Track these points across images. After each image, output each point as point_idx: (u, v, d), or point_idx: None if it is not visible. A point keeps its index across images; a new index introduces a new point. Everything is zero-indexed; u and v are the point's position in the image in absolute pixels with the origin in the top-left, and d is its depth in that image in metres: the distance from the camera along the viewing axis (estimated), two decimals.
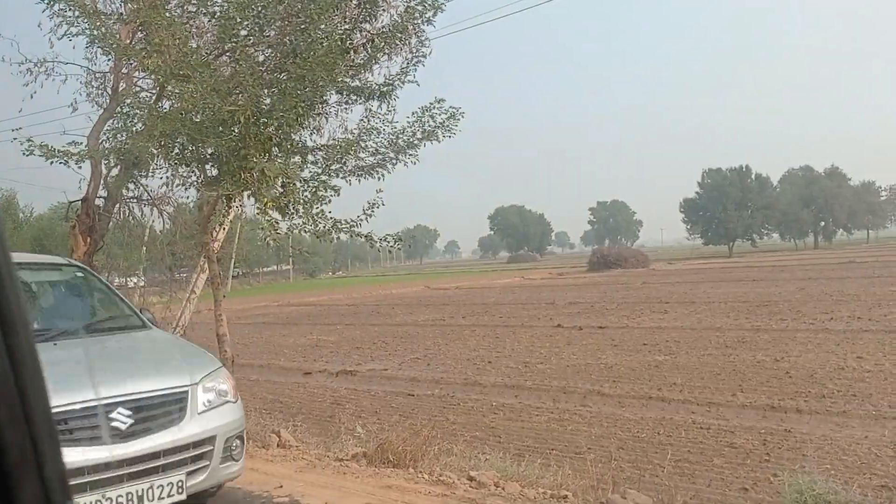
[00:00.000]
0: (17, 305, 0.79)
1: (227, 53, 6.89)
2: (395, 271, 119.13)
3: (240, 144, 6.07)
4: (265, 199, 6.11)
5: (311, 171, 6.88)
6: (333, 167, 6.91)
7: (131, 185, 8.86)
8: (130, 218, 9.39)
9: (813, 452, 7.45)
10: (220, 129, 6.06)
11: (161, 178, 7.93)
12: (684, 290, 33.36)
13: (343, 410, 10.96)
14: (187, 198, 9.43)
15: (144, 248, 10.02)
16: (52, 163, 6.95)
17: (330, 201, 6.59)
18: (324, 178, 6.70)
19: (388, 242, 7.16)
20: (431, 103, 7.23)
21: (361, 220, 6.74)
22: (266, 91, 6.28)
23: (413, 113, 7.28)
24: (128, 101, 7.41)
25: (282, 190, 6.36)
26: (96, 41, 7.15)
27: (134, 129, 6.84)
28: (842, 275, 36.99)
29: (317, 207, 6.52)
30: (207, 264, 7.90)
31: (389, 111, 7.17)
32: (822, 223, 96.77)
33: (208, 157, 6.65)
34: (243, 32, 6.37)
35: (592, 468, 5.89)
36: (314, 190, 6.52)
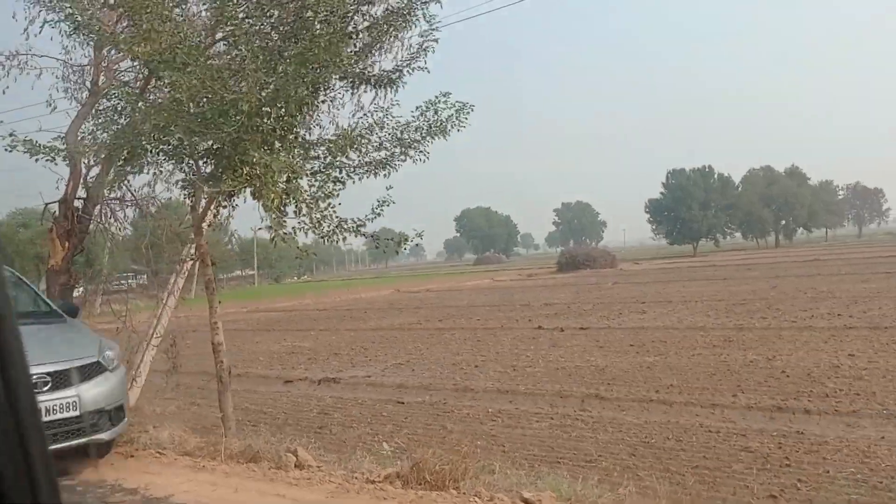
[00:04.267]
0: (12, 333, 0.87)
1: (225, 39, 6.41)
2: (361, 275, 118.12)
3: (243, 136, 5.61)
4: (271, 196, 5.66)
5: (312, 167, 6.45)
6: (339, 159, 6.47)
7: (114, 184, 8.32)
8: (112, 220, 8.82)
9: (832, 455, 7.25)
10: (221, 119, 5.59)
11: (146, 176, 7.42)
12: (657, 289, 33.46)
13: (332, 420, 10.53)
14: (170, 198, 8.91)
15: (129, 253, 9.44)
16: (37, 160, 6.43)
17: (338, 194, 6.17)
18: (330, 171, 6.26)
19: (394, 243, 6.78)
20: (437, 97, 6.86)
21: (370, 218, 6.34)
22: (270, 76, 5.83)
23: (417, 107, 6.90)
24: (114, 93, 6.88)
25: (285, 186, 5.91)
26: (80, 28, 6.62)
27: (121, 123, 6.33)
28: (809, 272, 37.50)
29: (324, 203, 6.09)
30: (201, 268, 7.43)
31: (393, 103, 6.77)
32: (783, 222, 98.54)
33: (204, 152, 6.18)
34: (241, 14, 5.92)
35: (659, 486, 5.56)
36: (321, 184, 6.09)
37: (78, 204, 8.28)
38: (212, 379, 8.17)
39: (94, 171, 8.18)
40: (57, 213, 8.20)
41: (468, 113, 6.79)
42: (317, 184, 6.21)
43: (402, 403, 11.54)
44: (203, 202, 6.86)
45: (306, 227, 6.18)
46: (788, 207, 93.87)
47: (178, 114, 5.69)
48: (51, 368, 5.94)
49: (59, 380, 6.00)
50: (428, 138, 6.75)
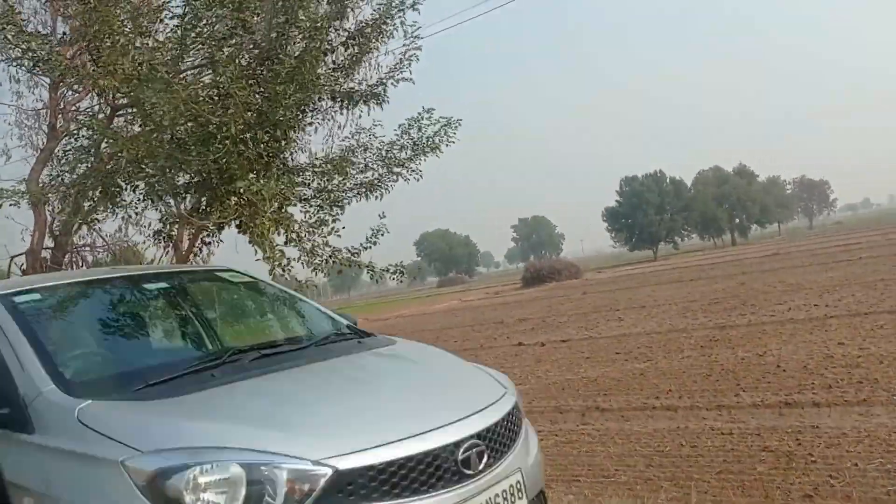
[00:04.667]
0: None
1: (202, 65, 6.06)
2: (328, 306, 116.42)
3: (231, 163, 5.24)
4: (266, 225, 5.29)
5: (303, 193, 6.10)
6: (328, 184, 6.15)
7: (83, 231, 7.83)
8: (84, 268, 8.28)
9: (854, 447, 7.07)
10: (203, 147, 5.22)
11: (117, 221, 6.97)
12: (627, 295, 33.51)
13: None
14: (142, 241, 8.37)
15: None
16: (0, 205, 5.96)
17: (333, 221, 5.84)
18: (322, 196, 5.93)
19: (390, 272, 6.46)
20: (420, 113, 6.59)
21: (366, 247, 6.01)
22: (254, 97, 5.49)
23: (399, 125, 6.62)
24: (81, 129, 6.45)
25: (276, 215, 5.55)
26: (39, 64, 6.17)
27: (90, 161, 5.91)
28: (772, 266, 38.04)
29: (319, 231, 5.75)
30: None
31: (376, 123, 6.49)
32: (737, 220, 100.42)
33: (183, 186, 5.79)
34: (221, 35, 5.59)
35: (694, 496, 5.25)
36: (316, 210, 5.75)
37: (45, 254, 7.77)
38: None
39: (61, 218, 7.69)
40: (24, 265, 7.68)
41: (456, 127, 6.53)
42: (312, 209, 5.87)
43: None
44: (186, 239, 6.46)
45: (301, 258, 5.83)
46: (741, 205, 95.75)
47: (156, 142, 5.28)
48: (477, 425, 3.07)
49: (494, 444, 3.12)
50: (420, 156, 6.47)
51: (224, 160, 5.22)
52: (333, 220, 6.01)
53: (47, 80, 7.75)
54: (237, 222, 5.80)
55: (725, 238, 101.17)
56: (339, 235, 5.99)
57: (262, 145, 5.47)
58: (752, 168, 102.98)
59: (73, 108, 8.41)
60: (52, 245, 7.82)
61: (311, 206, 5.99)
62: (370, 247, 6.09)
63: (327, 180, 6.31)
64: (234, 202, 5.35)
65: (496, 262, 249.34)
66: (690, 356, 13.68)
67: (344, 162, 6.45)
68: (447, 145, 6.44)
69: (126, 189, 6.02)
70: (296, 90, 5.47)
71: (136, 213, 6.67)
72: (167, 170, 5.53)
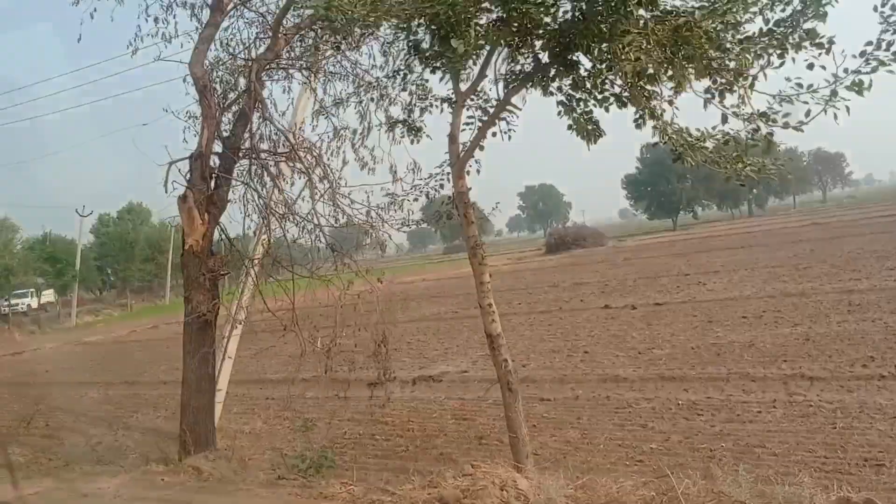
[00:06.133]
0: None
1: None
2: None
3: None
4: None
5: None
6: None
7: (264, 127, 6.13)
8: (266, 178, 6.56)
9: None
10: None
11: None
12: (680, 262, 31.94)
13: (496, 430, 8.60)
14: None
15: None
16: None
17: None
18: None
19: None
20: None
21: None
22: None
23: None
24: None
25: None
26: None
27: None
28: (820, 236, 36.47)
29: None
30: (465, 225, 5.47)
31: None
32: (754, 191, 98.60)
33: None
34: None
35: None
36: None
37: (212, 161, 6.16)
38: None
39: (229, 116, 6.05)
40: (189, 174, 6.08)
41: None
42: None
43: (549, 401, 9.67)
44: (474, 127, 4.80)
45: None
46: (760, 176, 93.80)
47: None
48: None
49: None
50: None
51: None
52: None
53: None
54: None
55: (743, 209, 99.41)
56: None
57: None
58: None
59: None
60: (218, 150, 6.21)
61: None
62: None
63: None
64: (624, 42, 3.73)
65: (498, 230, 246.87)
66: (846, 320, 12.18)
67: None
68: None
69: (466, 22, 4.28)
70: None
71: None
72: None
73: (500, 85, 5.15)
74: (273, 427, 10.72)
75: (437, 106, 5.76)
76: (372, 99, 6.49)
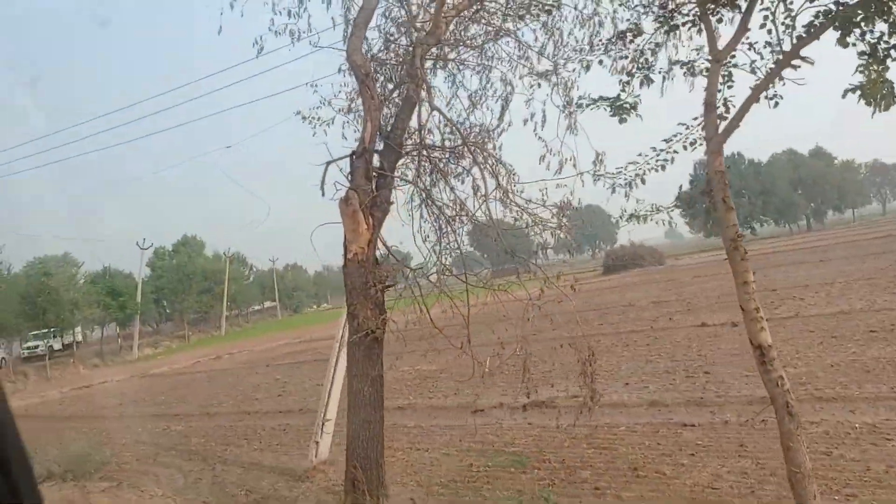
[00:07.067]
0: None
1: None
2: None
3: None
4: None
5: None
6: None
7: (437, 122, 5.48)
8: (435, 175, 5.88)
9: None
10: None
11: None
12: (758, 277, 30.46)
13: (644, 460, 7.77)
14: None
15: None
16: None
17: None
18: None
19: None
20: None
21: None
22: None
23: None
24: None
25: None
26: None
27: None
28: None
29: None
30: (724, 211, 4.79)
31: None
32: (812, 205, 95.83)
33: None
34: None
35: None
36: None
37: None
38: None
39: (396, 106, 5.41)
40: (351, 174, 5.47)
41: None
42: None
43: (693, 427, 8.78)
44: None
45: None
46: (818, 189, 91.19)
47: None
48: None
49: None
50: None
51: None
52: None
53: None
54: None
55: (801, 224, 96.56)
56: None
57: None
58: (828, 150, 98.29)
59: None
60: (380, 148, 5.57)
61: None
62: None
63: None
64: None
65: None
66: None
67: None
68: None
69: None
70: None
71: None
72: None
73: (784, 34, 4.44)
74: (432, 456, 9.78)
75: (665, 75, 5.11)
76: (549, 81, 5.83)
